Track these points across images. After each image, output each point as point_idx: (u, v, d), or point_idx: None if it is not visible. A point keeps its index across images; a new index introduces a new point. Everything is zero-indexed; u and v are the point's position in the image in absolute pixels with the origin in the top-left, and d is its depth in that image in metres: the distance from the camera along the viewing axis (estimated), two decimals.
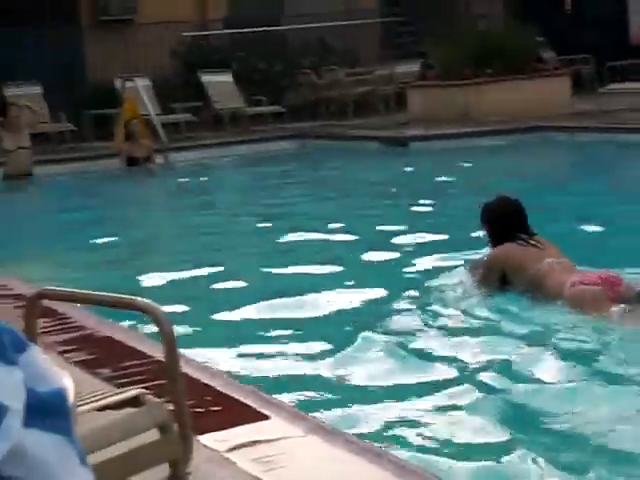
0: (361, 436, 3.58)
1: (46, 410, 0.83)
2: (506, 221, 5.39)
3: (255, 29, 17.01)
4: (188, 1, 17.32)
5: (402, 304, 5.58)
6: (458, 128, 13.71)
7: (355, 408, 4.12)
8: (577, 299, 4.97)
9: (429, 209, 9.09)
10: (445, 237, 7.41)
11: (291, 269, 6.87)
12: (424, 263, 6.54)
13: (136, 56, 16.72)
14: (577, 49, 16.95)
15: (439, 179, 10.92)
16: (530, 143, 12.85)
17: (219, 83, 16.18)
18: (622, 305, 4.89)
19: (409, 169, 12.43)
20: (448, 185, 10.38)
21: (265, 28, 17.17)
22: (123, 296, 2.52)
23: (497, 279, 5.33)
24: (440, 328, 5.12)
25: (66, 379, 0.88)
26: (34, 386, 0.83)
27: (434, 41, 15.39)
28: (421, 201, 9.57)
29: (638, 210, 7.75)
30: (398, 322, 5.26)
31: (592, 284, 5.00)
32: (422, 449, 3.65)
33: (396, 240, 7.50)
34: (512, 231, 5.34)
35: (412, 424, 3.90)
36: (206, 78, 16.19)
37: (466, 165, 11.96)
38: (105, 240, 8.49)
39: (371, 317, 5.39)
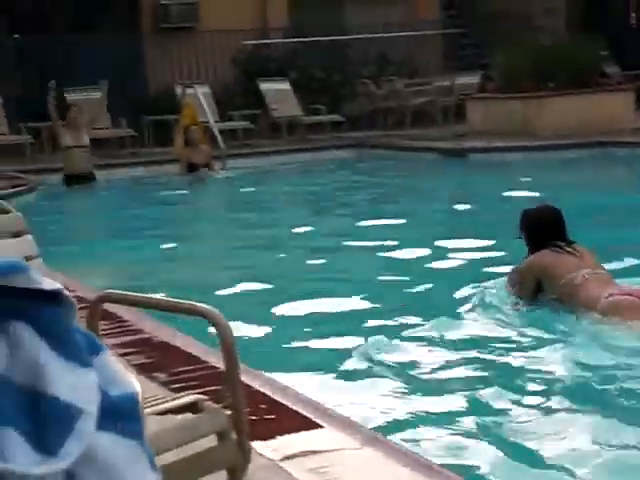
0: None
1: (119, 414, 0.82)
2: (543, 229, 5.40)
3: (315, 38, 17.06)
4: (249, 10, 17.42)
5: (446, 311, 5.61)
6: (518, 141, 13.59)
7: (399, 416, 4.13)
8: (611, 309, 4.95)
9: (486, 219, 9.03)
10: (499, 248, 7.36)
11: (347, 277, 6.86)
12: (474, 272, 6.53)
13: (196, 63, 16.86)
14: None
15: (497, 192, 10.83)
16: (591, 158, 12.69)
17: (277, 91, 16.25)
18: None
19: (467, 181, 12.35)
20: (505, 198, 10.30)
21: (325, 37, 17.21)
22: (183, 301, 2.53)
23: (532, 287, 5.34)
24: (471, 336, 5.17)
25: (136, 383, 0.87)
26: (107, 389, 0.82)
27: (495, 53, 15.29)
28: (478, 213, 9.50)
29: None
30: (436, 328, 5.31)
31: (627, 295, 5.00)
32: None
33: (449, 250, 7.49)
34: (549, 239, 5.34)
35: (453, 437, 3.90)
36: (264, 86, 16.27)
37: (525, 179, 11.85)
38: (162, 246, 8.55)
39: (420, 323, 5.44)
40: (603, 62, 15.29)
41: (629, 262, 6.43)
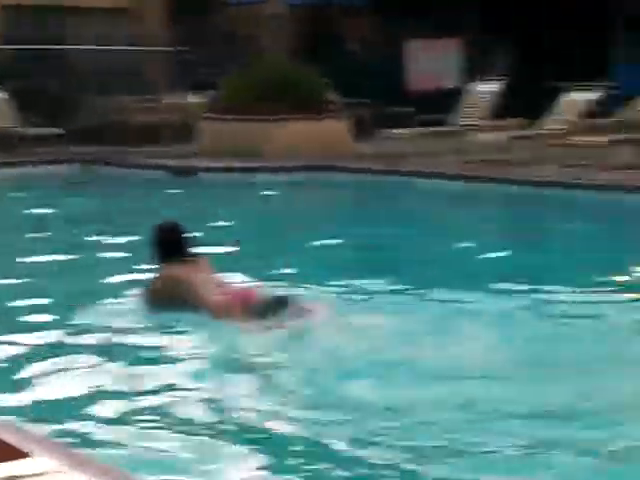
0: None
1: None
2: (165, 245, 6.16)
3: (36, 47, 16.52)
4: None
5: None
6: (244, 162, 13.81)
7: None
8: (215, 308, 5.85)
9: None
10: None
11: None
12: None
13: None
14: (359, 93, 17.41)
15: (216, 210, 11.00)
16: (312, 181, 13.10)
17: None
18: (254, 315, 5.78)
19: (191, 199, 12.41)
20: (220, 215, 10.51)
21: (46, 47, 16.71)
22: None
23: (165, 296, 6.00)
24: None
25: None
26: None
27: (224, 74, 15.46)
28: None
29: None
30: None
31: (228, 295, 5.93)
32: None
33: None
34: (172, 253, 6.11)
35: None
36: None
37: (247, 198, 12.10)
38: None
39: None
40: (327, 89, 15.83)
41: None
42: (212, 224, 9.88)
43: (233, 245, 8.24)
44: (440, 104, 15.42)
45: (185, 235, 6.23)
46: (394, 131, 14.83)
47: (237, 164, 13.77)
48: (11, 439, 3.43)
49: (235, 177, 13.36)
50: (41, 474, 3.12)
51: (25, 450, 3.33)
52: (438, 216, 11.17)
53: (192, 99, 16.79)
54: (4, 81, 15.79)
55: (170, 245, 6.16)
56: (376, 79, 17.56)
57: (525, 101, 16.92)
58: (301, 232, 9.69)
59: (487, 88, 14.76)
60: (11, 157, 14.48)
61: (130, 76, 17.55)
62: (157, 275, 6.17)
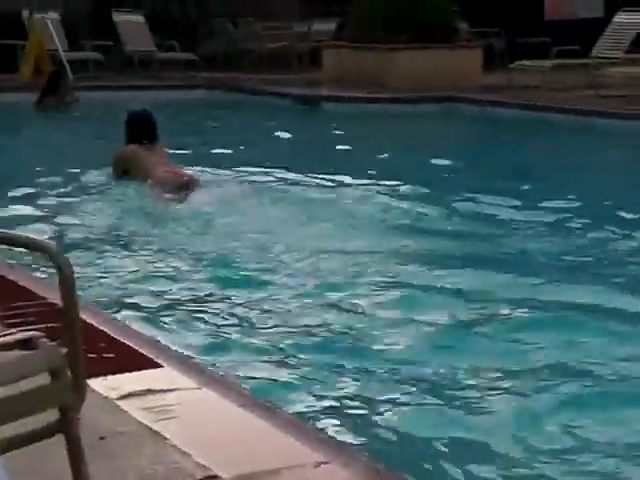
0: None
1: None
2: (135, 129, 7.63)
3: None
4: None
5: None
6: (369, 92, 13.69)
7: None
8: (160, 181, 7.18)
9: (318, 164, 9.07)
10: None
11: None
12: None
13: None
14: (490, 22, 16.98)
15: (340, 141, 10.92)
16: (437, 113, 12.90)
17: (131, 23, 15.83)
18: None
19: (315, 128, 12.39)
20: (345, 149, 10.42)
21: None
22: (20, 234, 2.45)
23: (118, 170, 7.59)
24: None
25: None
26: None
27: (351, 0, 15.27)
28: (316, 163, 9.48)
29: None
30: None
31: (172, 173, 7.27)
32: None
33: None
34: (136, 136, 7.57)
35: None
36: (118, 17, 15.82)
37: (370, 130, 12.00)
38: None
39: None
40: (454, 17, 15.47)
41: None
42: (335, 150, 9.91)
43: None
44: (579, 35, 14.83)
45: (149, 124, 7.62)
46: (525, 63, 14.40)
47: (361, 94, 13.64)
48: (146, 351, 3.53)
49: (359, 107, 13.24)
50: (175, 389, 3.20)
51: (159, 362, 3.42)
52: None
53: (320, 26, 16.68)
54: (143, 3, 16.01)
55: (135, 129, 7.60)
56: (509, 7, 17.03)
57: None
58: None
59: (632, 19, 13.97)
60: (150, 80, 14.74)
61: (261, 2, 17.53)
62: (118, 152, 7.61)
